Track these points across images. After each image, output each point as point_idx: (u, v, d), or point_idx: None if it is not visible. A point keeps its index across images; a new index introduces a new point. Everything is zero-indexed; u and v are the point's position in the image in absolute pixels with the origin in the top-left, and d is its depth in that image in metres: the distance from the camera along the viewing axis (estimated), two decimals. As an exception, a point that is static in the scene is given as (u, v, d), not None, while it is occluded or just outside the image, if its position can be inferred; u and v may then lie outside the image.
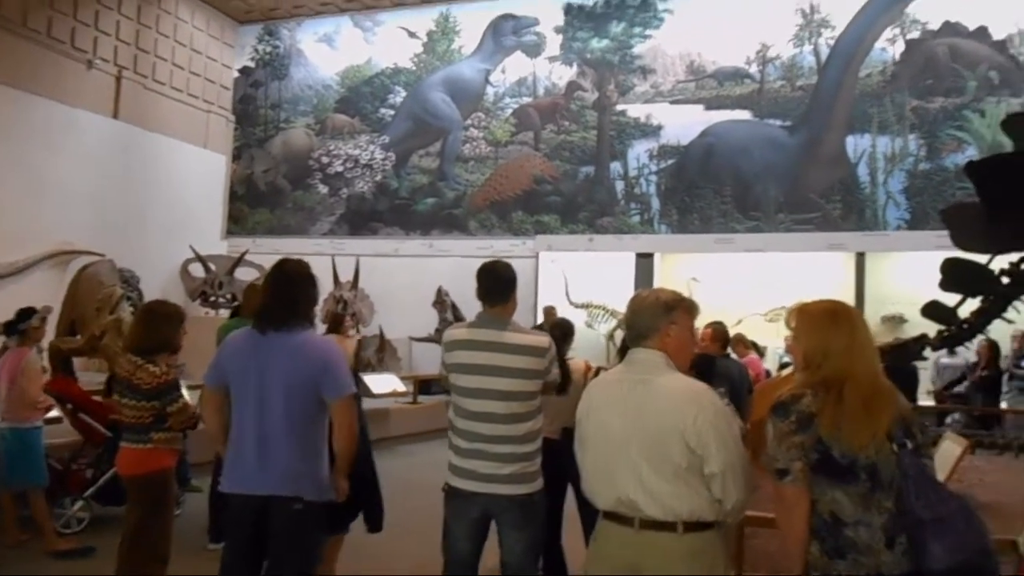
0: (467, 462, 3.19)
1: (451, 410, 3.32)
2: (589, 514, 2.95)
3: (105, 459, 5.69)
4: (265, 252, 14.36)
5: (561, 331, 4.97)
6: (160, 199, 14.44)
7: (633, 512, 2.38)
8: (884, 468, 2.19)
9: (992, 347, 9.45)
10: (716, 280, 12.41)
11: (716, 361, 5.55)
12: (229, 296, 13.34)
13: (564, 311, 11.89)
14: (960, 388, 10.24)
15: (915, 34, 12.38)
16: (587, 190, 14.07)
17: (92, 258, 11.54)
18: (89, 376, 9.75)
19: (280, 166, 16.45)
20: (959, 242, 5.02)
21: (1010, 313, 4.87)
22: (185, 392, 4.11)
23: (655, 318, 2.55)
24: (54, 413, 5.88)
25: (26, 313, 5.53)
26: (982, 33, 11.94)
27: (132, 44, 14.33)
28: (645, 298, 2.63)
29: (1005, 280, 4.78)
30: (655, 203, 13.62)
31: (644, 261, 13.26)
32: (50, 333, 9.01)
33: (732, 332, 8.03)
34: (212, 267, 13.81)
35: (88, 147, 13.02)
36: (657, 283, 12.94)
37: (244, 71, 17.00)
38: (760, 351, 8.90)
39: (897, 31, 12.46)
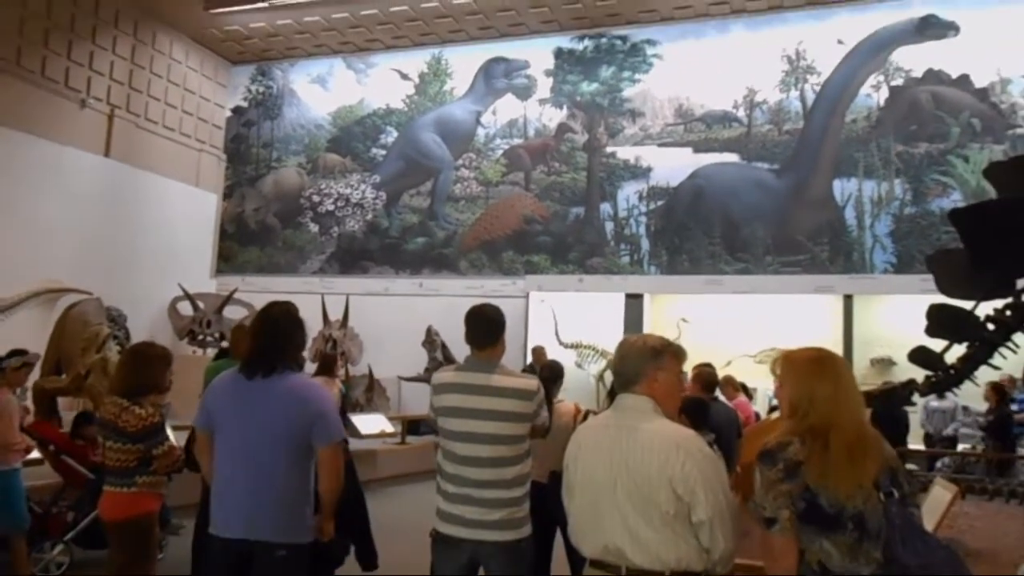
0: (455, 507, 3.16)
1: (439, 454, 3.30)
2: (578, 559, 2.93)
3: (87, 502, 5.60)
4: (254, 291, 14.34)
5: (551, 373, 4.98)
6: (150, 237, 14.42)
7: (619, 560, 2.35)
8: (871, 517, 2.18)
9: (997, 390, 9.32)
10: (705, 321, 12.44)
11: (711, 406, 5.54)
12: (217, 335, 13.28)
13: (554, 351, 11.88)
14: (950, 431, 10.24)
15: (899, 81, 12.62)
16: (577, 231, 14.16)
17: (79, 296, 11.49)
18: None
19: (271, 205, 16.49)
20: (944, 288, 5.06)
21: (996, 359, 4.89)
22: (170, 433, 4.07)
23: (643, 363, 2.55)
24: (35, 455, 5.79)
25: (14, 354, 5.46)
26: (964, 81, 12.20)
27: (125, 84, 14.44)
28: (633, 344, 2.63)
29: (990, 326, 4.81)
30: (645, 244, 13.72)
31: (634, 302, 13.28)
32: (35, 373, 8.95)
33: (722, 374, 8.03)
34: (201, 305, 13.77)
35: (79, 185, 13.03)
36: (647, 324, 12.97)
37: (236, 111, 17.13)
38: (749, 393, 8.88)
39: (881, 78, 12.72)
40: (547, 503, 4.07)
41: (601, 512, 2.42)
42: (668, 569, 2.31)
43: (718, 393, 7.33)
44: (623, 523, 2.36)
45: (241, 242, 16.52)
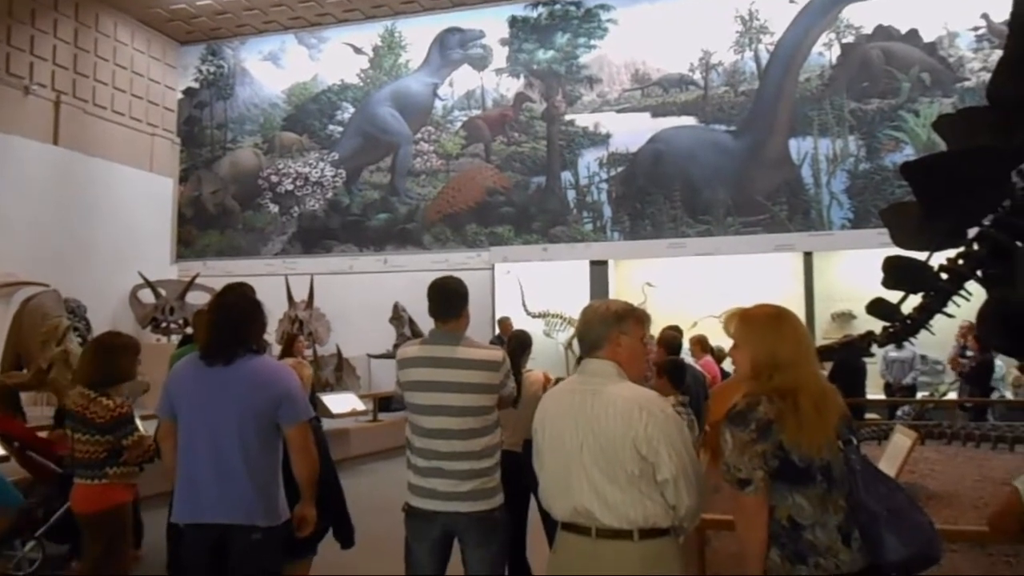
0: (426, 481, 3.18)
1: (408, 428, 3.32)
2: (552, 525, 2.97)
3: (56, 496, 5.54)
4: (217, 275, 14.15)
5: (519, 343, 5.00)
6: (105, 225, 14.12)
7: (589, 521, 2.39)
8: (836, 466, 2.24)
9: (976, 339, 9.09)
10: (670, 284, 12.57)
11: (688, 366, 5.64)
12: (181, 321, 13.11)
13: (522, 321, 11.94)
14: (908, 380, 10.50)
15: (850, 38, 12.75)
16: (539, 200, 14.17)
17: (36, 289, 11.23)
18: (40, 410, 9.50)
19: (229, 187, 16.24)
20: (899, 241, 5.16)
21: (950, 307, 5.03)
22: (139, 423, 4.03)
23: (606, 328, 2.58)
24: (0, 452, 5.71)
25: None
26: (913, 36, 12.36)
27: (70, 68, 14.05)
28: (596, 309, 2.65)
29: (944, 276, 4.93)
30: (607, 210, 13.77)
31: (598, 268, 13.37)
32: (-5, 368, 8.79)
33: (688, 335, 8.11)
34: (162, 292, 13.57)
35: (27, 175, 12.69)
36: (612, 289, 13.06)
37: (188, 92, 16.77)
38: (716, 354, 8.98)
39: (833, 36, 12.83)
40: (521, 472, 4.12)
41: (569, 475, 2.45)
42: (636, 527, 2.36)
43: (686, 355, 7.44)
44: (591, 485, 2.40)
45: (200, 226, 16.26)
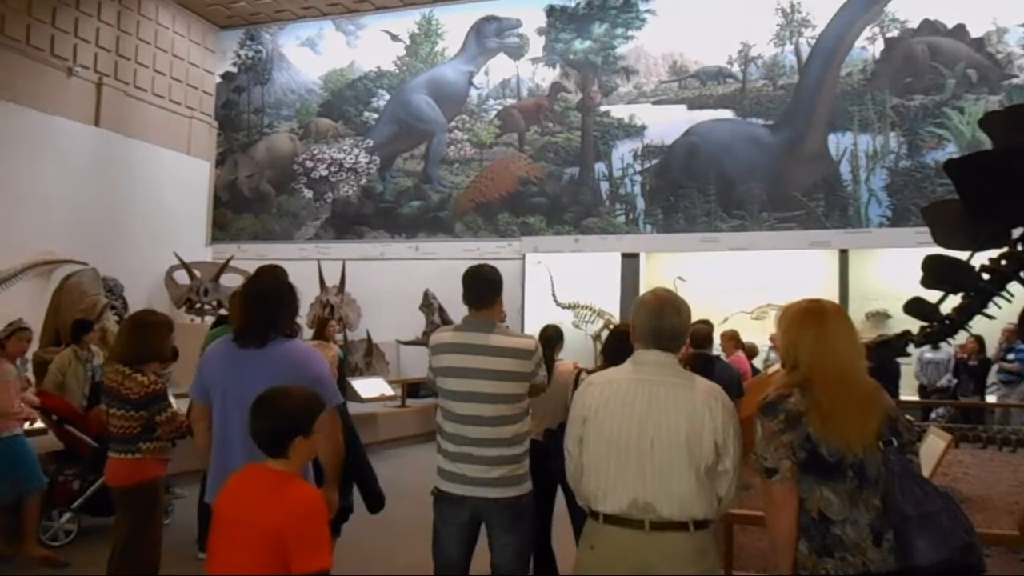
0: (455, 466, 3.19)
1: (439, 414, 3.33)
2: (579, 515, 2.95)
3: (92, 469, 5.65)
4: (250, 258, 14.29)
5: (551, 336, 4.98)
6: (143, 206, 14.34)
7: (645, 514, 2.34)
8: (871, 465, 2.22)
9: (978, 340, 9.45)
10: (702, 279, 12.46)
11: (716, 362, 5.59)
12: (215, 303, 13.28)
13: (551, 312, 11.94)
14: (944, 382, 10.32)
15: (894, 32, 12.49)
16: (572, 191, 14.11)
17: (75, 267, 11.47)
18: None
19: (264, 171, 16.39)
20: (940, 239, 5.08)
21: (990, 308, 4.93)
22: (172, 401, 4.09)
23: (689, 322, 2.58)
24: (39, 424, 5.83)
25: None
26: (960, 31, 12.07)
27: (112, 51, 14.23)
28: (681, 302, 2.59)
29: (985, 276, 4.84)
30: (640, 203, 13.67)
31: (630, 261, 13.30)
32: (35, 344, 8.96)
33: (718, 331, 8.05)
34: (197, 274, 13.75)
35: (69, 155, 12.91)
36: (643, 283, 12.99)
37: (226, 76, 16.92)
38: (747, 350, 8.90)
39: (877, 30, 12.58)
40: (546, 461, 4.11)
41: (629, 468, 2.38)
42: (691, 519, 2.35)
43: (717, 350, 7.38)
44: (659, 478, 2.35)
45: (235, 210, 16.44)
